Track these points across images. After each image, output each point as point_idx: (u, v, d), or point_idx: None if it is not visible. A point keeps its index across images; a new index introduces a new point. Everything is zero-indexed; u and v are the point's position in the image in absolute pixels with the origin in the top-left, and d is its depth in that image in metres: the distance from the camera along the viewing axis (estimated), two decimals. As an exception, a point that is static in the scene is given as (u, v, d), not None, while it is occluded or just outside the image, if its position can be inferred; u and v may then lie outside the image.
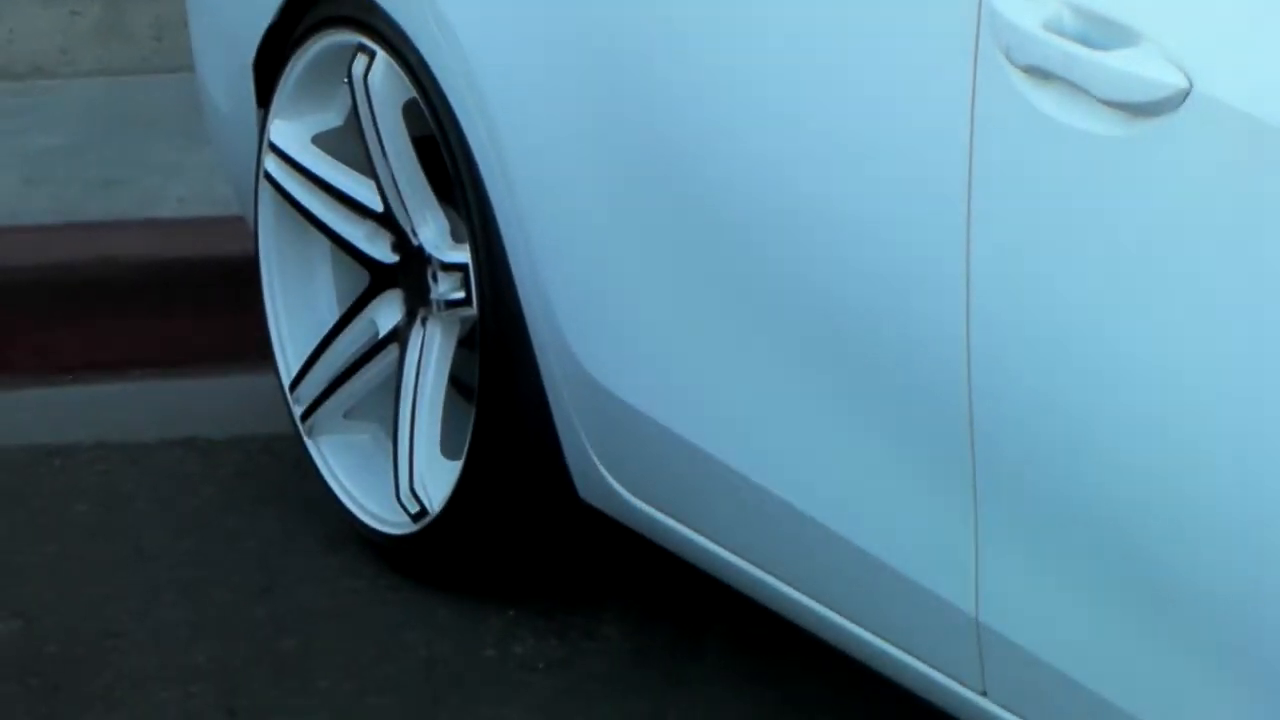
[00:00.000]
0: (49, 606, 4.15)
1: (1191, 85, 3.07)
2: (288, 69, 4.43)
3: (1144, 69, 3.14)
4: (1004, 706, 3.51)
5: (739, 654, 4.25)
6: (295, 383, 4.47)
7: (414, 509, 4.25)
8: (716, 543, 3.94)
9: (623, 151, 3.99)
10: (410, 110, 4.21)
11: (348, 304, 4.47)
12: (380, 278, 4.40)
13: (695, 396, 3.93)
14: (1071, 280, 3.32)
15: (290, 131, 4.48)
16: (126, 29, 5.86)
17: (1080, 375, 3.32)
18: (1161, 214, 3.19)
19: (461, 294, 4.20)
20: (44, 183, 5.46)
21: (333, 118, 4.43)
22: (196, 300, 5.19)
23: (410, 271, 4.34)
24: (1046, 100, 3.27)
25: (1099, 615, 3.37)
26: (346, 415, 4.51)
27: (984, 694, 3.51)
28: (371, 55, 4.20)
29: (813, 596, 3.79)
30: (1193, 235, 3.19)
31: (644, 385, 3.97)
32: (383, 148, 4.21)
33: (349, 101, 4.30)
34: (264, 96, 4.50)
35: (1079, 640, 3.42)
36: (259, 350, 4.63)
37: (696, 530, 3.97)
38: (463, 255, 4.17)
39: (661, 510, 4.02)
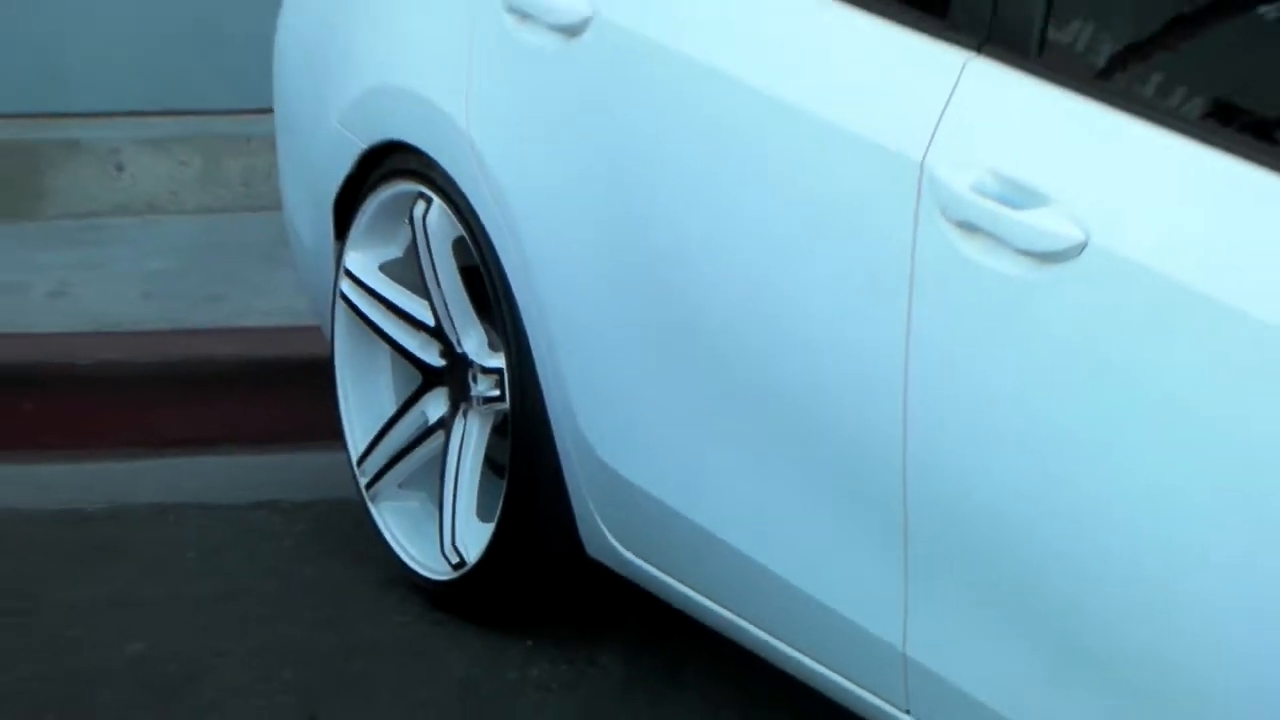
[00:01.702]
0: (166, 633, 4.17)
1: (1088, 239, 3.11)
2: (361, 210, 4.40)
3: (1050, 225, 3.16)
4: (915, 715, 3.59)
5: (715, 682, 4.20)
6: (362, 459, 4.48)
7: (454, 560, 4.28)
8: (699, 592, 3.94)
9: (629, 283, 3.97)
10: (458, 245, 4.22)
11: (404, 398, 4.48)
12: (431, 378, 4.39)
13: (683, 475, 3.92)
14: (989, 389, 3.34)
15: (361, 260, 4.45)
16: (222, 177, 5.86)
17: (993, 464, 3.35)
18: (1064, 339, 3.22)
19: (497, 392, 4.20)
20: (157, 296, 5.41)
21: (395, 250, 4.41)
22: (278, 391, 5.14)
23: (455, 373, 4.33)
24: (972, 248, 3.29)
25: (1000, 651, 3.40)
26: (401, 485, 4.50)
27: (907, 712, 3.54)
28: (429, 201, 4.19)
29: (774, 635, 3.80)
30: (1089, 357, 3.23)
31: (643, 465, 3.98)
32: (436, 275, 4.23)
33: (409, 237, 4.29)
34: (341, 231, 4.48)
35: (983, 671, 3.44)
36: (329, 433, 4.63)
37: (682, 581, 3.96)
38: (498, 361, 4.17)
39: (654, 565, 4.02)
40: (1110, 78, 3.36)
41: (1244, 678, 3.05)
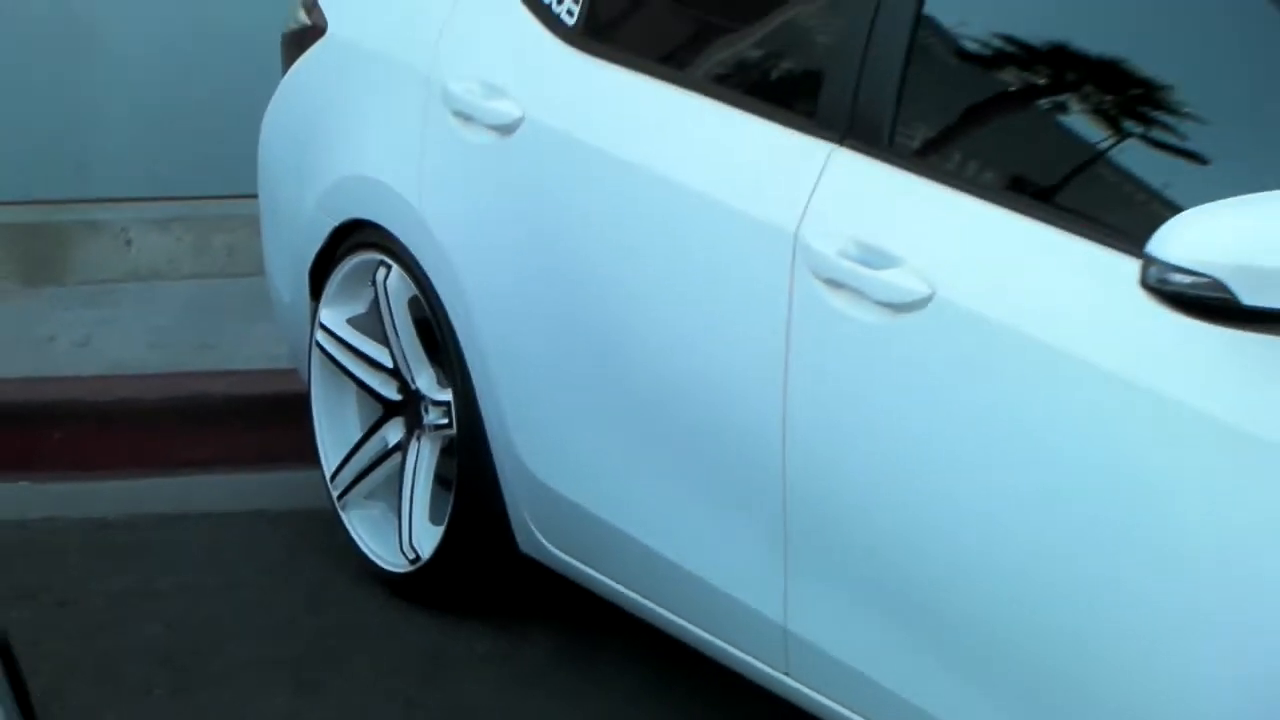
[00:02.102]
0: (179, 618, 4.30)
1: (934, 293, 3.27)
2: (333, 275, 4.52)
3: (902, 282, 3.31)
4: (800, 682, 3.70)
5: (630, 655, 4.32)
6: (334, 475, 4.61)
7: (411, 557, 4.41)
8: (615, 580, 4.08)
9: (555, 332, 4.08)
10: (412, 302, 4.34)
11: (368, 426, 4.59)
12: (390, 409, 4.50)
13: (601, 485, 4.06)
14: (855, 412, 3.51)
15: (333, 316, 4.53)
16: (211, 249, 6.01)
17: (859, 473, 3.52)
18: (916, 373, 3.41)
19: (445, 420, 4.33)
20: (161, 346, 5.52)
21: (360, 307, 4.52)
22: (263, 422, 5.24)
23: (410, 406, 4.45)
24: (839, 301, 3.42)
25: (866, 623, 3.57)
26: (367, 496, 4.63)
27: (787, 674, 3.71)
28: (389, 267, 4.32)
29: (678, 615, 3.95)
30: (936, 387, 3.41)
31: (567, 478, 4.11)
32: (394, 327, 4.34)
33: (372, 296, 4.43)
34: (315, 293, 4.60)
35: (851, 640, 3.58)
36: (307, 455, 4.75)
37: (601, 572, 4.12)
38: (446, 395, 4.29)
39: (577, 559, 4.16)
40: (945, 162, 3.51)
41: (1049, 630, 3.26)
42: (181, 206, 6.37)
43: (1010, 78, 3.65)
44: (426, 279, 4.22)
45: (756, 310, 3.58)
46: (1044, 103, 3.58)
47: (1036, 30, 3.54)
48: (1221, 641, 3.02)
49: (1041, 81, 3.57)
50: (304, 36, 4.76)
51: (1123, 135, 3.40)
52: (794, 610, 3.65)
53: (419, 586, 4.45)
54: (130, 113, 6.34)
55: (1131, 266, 2.94)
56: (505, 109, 4.00)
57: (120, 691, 3.90)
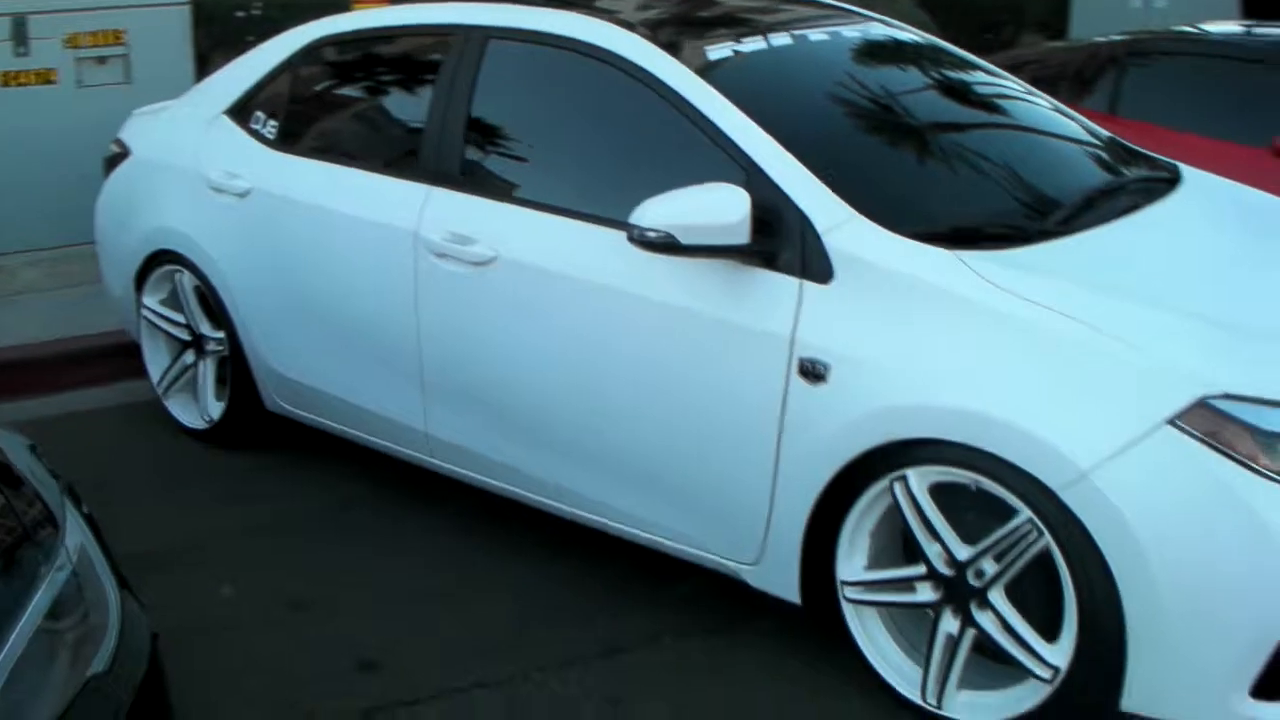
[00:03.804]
0: (80, 455, 5.34)
1: (498, 255, 4.66)
2: (150, 278, 6.03)
3: (479, 251, 4.69)
4: (439, 459, 5.11)
5: (334, 465, 5.71)
6: (158, 383, 6.17)
7: (207, 419, 6.02)
8: (324, 418, 5.55)
9: (281, 296, 5.46)
10: (196, 289, 5.83)
11: (175, 355, 6.10)
12: (186, 345, 6.04)
13: (311, 369, 5.46)
14: (458, 319, 4.80)
15: (151, 299, 6.10)
16: (68, 273, 7.14)
17: (462, 348, 4.82)
18: (494, 299, 4.68)
19: (220, 348, 5.85)
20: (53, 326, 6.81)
21: (164, 294, 6.05)
22: (116, 359, 6.61)
23: (197, 341, 5.96)
24: (444, 264, 4.78)
25: (476, 427, 4.89)
26: (179, 391, 6.13)
27: (431, 457, 5.13)
28: (183, 272, 5.86)
29: (365, 433, 5.37)
30: (509, 307, 4.66)
31: (292, 367, 5.54)
32: (187, 302, 5.91)
33: (172, 288, 5.98)
34: (139, 288, 6.08)
35: (466, 436, 4.92)
36: (142, 374, 6.26)
37: (315, 415, 5.59)
38: (220, 334, 5.81)
39: (300, 410, 5.65)
40: (497, 188, 4.81)
41: (577, 415, 4.58)
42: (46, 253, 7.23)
43: (517, 143, 4.91)
44: (204, 276, 5.72)
45: (399, 272, 4.94)
46: (540, 152, 4.88)
47: (528, 108, 4.92)
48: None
49: (536, 144, 4.88)
50: (116, 158, 6.30)
51: (590, 170, 4.65)
52: (430, 422, 5.08)
53: (213, 436, 6.01)
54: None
55: (619, 234, 4.24)
56: (241, 184, 5.56)
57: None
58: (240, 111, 5.87)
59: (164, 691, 2.82)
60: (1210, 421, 3.62)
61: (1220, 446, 3.60)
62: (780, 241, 4.13)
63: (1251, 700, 3.66)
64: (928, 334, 3.92)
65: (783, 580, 4.30)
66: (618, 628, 4.60)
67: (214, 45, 10.00)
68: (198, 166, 5.84)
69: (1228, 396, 3.64)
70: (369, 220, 5.11)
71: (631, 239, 4.14)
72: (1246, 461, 3.59)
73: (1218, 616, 3.62)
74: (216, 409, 6.02)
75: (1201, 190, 4.99)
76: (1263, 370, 3.76)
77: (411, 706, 4.21)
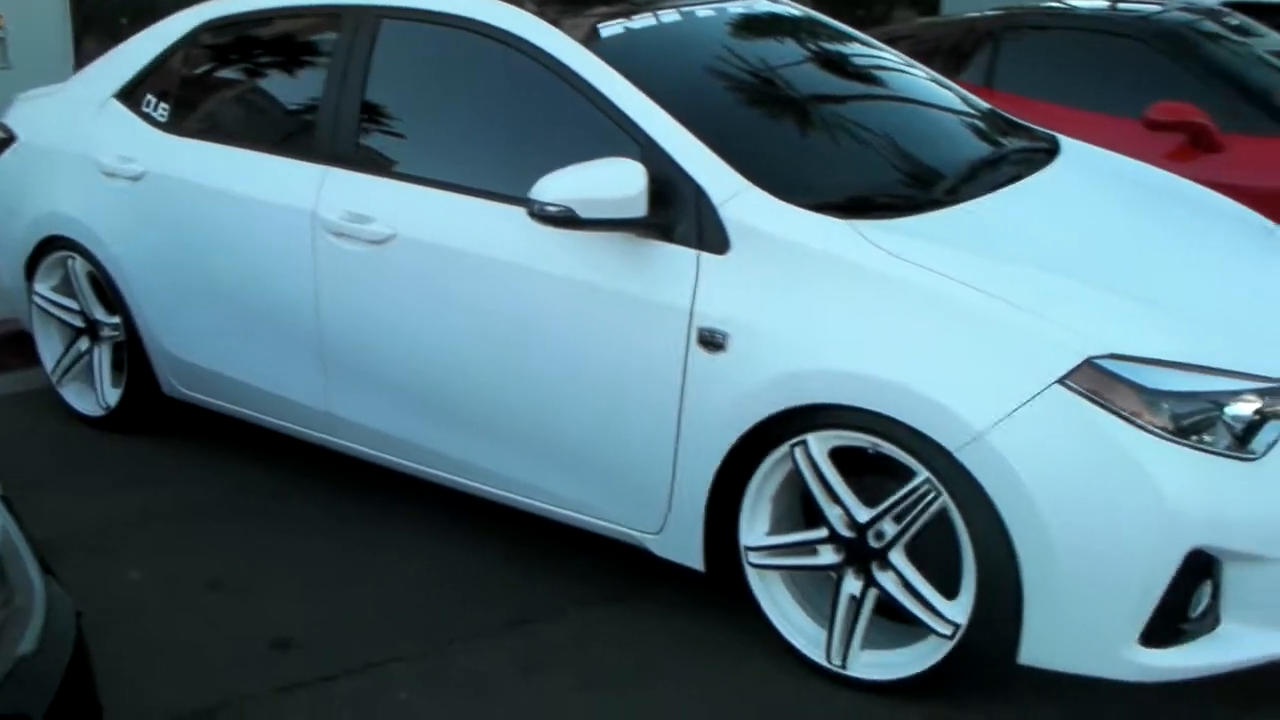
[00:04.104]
0: None
1: (396, 233, 4.72)
2: (41, 264, 6.05)
3: (376, 229, 4.75)
4: (339, 438, 5.15)
5: (234, 447, 5.77)
6: (52, 370, 6.18)
7: (104, 405, 6.03)
8: (222, 401, 5.58)
9: (176, 278, 5.47)
10: (89, 275, 5.85)
11: (68, 342, 6.12)
12: (80, 332, 6.03)
13: (208, 351, 5.47)
14: (356, 298, 4.85)
15: (43, 287, 6.13)
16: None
17: (360, 327, 4.87)
18: (392, 275, 4.73)
19: (115, 333, 5.85)
20: None
21: (55, 280, 6.07)
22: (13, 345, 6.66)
23: (92, 327, 5.95)
24: (342, 243, 4.85)
25: (378, 406, 4.94)
26: (73, 379, 6.15)
27: (333, 436, 5.16)
28: (75, 257, 5.87)
29: (264, 414, 5.38)
30: (407, 281, 4.69)
31: (188, 351, 5.55)
32: (80, 288, 5.92)
33: (63, 274, 6.01)
34: (29, 275, 6.13)
35: (367, 414, 4.96)
36: (36, 362, 6.32)
37: (212, 397, 5.61)
38: (115, 319, 5.82)
39: (198, 393, 5.66)
40: (392, 165, 4.85)
41: (469, 391, 4.63)
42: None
43: (413, 123, 4.93)
44: (98, 261, 5.73)
45: (298, 250, 4.99)
46: (437, 131, 4.84)
47: (422, 87, 4.91)
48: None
49: (433, 123, 4.86)
50: (1, 144, 6.31)
51: (494, 152, 4.66)
52: (332, 401, 5.13)
53: (110, 422, 6.03)
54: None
55: (519, 210, 4.31)
56: (134, 168, 5.57)
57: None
58: (130, 95, 5.87)
59: (90, 671, 2.84)
60: (1097, 381, 3.74)
61: (1108, 404, 3.71)
62: (677, 214, 4.20)
63: (1141, 648, 3.78)
64: (823, 301, 4.01)
65: (687, 548, 4.38)
66: (524, 600, 4.67)
67: (87, 27, 10.00)
68: (88, 151, 5.84)
69: (1113, 356, 3.76)
70: (266, 201, 5.13)
71: (531, 214, 4.20)
72: (1132, 418, 3.71)
73: (1108, 569, 3.73)
74: (113, 395, 6.03)
75: (1080, 160, 5.13)
76: (1146, 330, 3.89)
77: (328, 682, 4.25)
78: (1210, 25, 7.53)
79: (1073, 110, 6.98)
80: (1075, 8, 7.96)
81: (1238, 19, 7.86)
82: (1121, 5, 7.88)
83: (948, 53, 7.87)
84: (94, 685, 2.84)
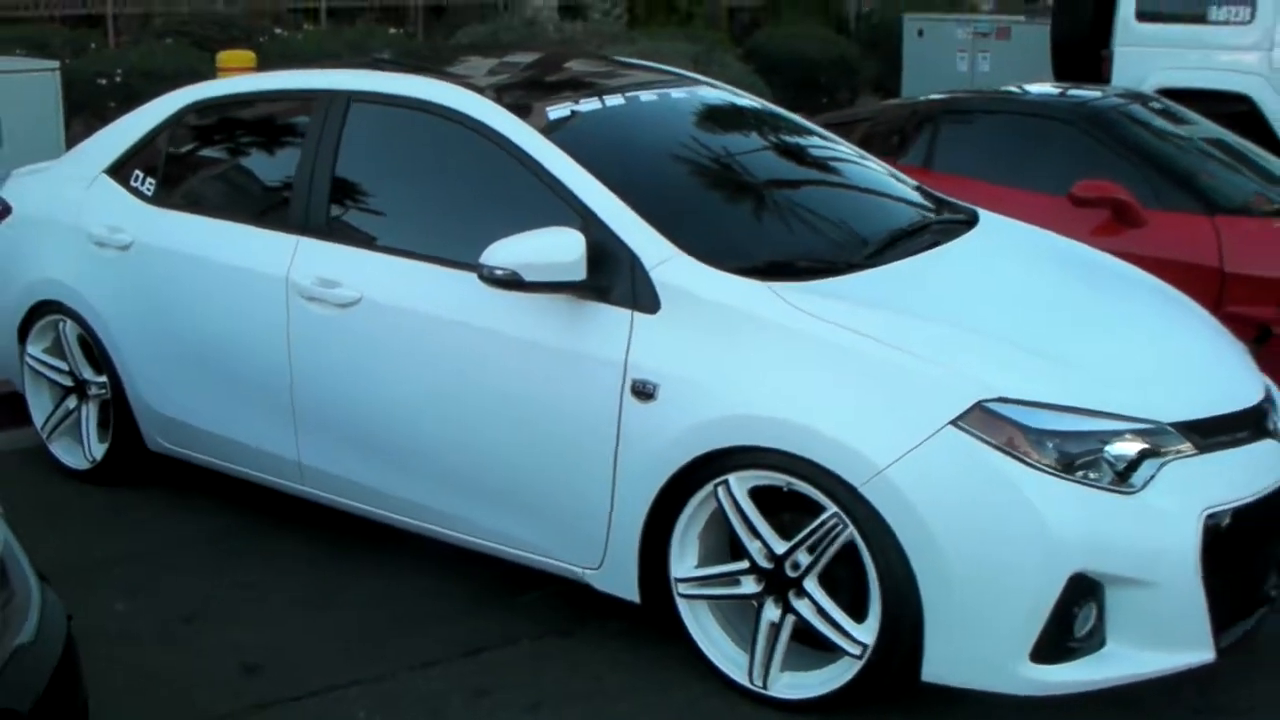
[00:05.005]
0: None
1: (362, 296, 4.98)
2: (34, 327, 6.26)
3: (343, 293, 4.98)
4: (310, 487, 5.37)
5: (217, 500, 5.97)
6: (42, 427, 6.40)
7: (91, 459, 6.24)
8: (203, 454, 5.79)
9: (160, 341, 5.72)
10: (80, 338, 6.07)
11: (58, 400, 6.33)
12: (69, 390, 6.26)
13: (189, 408, 5.71)
14: (326, 359, 5.06)
15: (35, 349, 6.34)
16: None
17: (330, 384, 5.11)
18: (358, 337, 4.95)
19: (102, 391, 6.09)
20: None
21: (50, 341, 6.26)
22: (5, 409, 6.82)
23: (81, 386, 6.19)
24: (313, 307, 5.10)
25: (345, 459, 5.17)
26: (61, 434, 6.36)
27: (303, 485, 5.40)
28: (66, 321, 6.11)
29: (240, 466, 5.61)
30: (368, 343, 4.94)
31: (171, 407, 5.80)
32: (70, 350, 6.16)
33: (54, 337, 6.22)
34: (22, 338, 6.33)
35: (329, 463, 5.17)
36: (28, 420, 6.50)
37: (194, 452, 5.82)
38: (102, 378, 6.07)
39: (180, 448, 5.88)
40: (357, 237, 5.13)
41: (429, 444, 4.89)
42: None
43: (378, 196, 5.22)
44: (87, 324, 5.97)
45: (272, 314, 5.24)
46: (399, 204, 5.15)
47: (387, 164, 5.23)
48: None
49: (396, 197, 5.18)
50: None
51: (452, 226, 4.90)
52: (302, 452, 5.36)
53: (96, 476, 6.23)
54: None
55: (471, 275, 4.56)
56: (123, 238, 5.81)
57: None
58: (119, 170, 6.12)
59: (78, 667, 3.17)
60: (987, 422, 4.08)
61: (997, 443, 4.06)
62: (613, 278, 4.53)
63: (1032, 664, 4.10)
64: (743, 354, 4.35)
65: (623, 582, 4.68)
66: (477, 631, 4.94)
67: (76, 110, 10.41)
68: (80, 222, 6.10)
69: (1002, 400, 4.11)
70: (244, 268, 5.41)
71: (481, 277, 4.52)
72: (1020, 456, 4.05)
73: (1000, 592, 4.06)
74: (99, 450, 6.25)
75: (995, 230, 5.50)
76: (1033, 377, 4.24)
77: (294, 703, 4.51)
78: (1140, 111, 7.81)
79: (1006, 189, 7.25)
80: (1014, 93, 8.25)
81: (1164, 104, 8.19)
82: (1071, 91, 8.16)
83: (894, 134, 8.18)
84: (82, 676, 3.16)
